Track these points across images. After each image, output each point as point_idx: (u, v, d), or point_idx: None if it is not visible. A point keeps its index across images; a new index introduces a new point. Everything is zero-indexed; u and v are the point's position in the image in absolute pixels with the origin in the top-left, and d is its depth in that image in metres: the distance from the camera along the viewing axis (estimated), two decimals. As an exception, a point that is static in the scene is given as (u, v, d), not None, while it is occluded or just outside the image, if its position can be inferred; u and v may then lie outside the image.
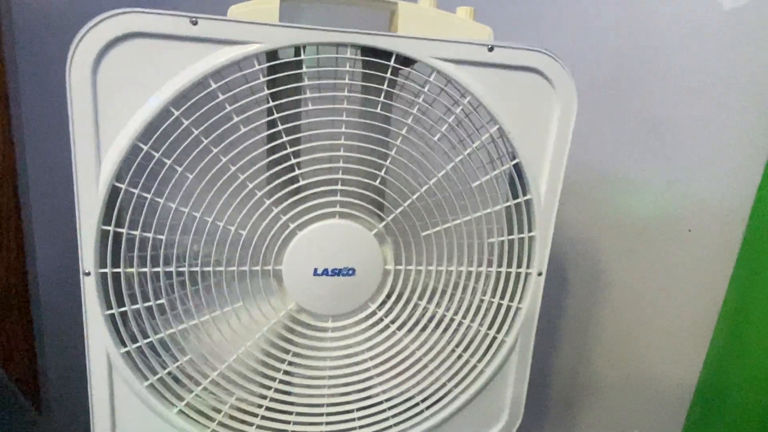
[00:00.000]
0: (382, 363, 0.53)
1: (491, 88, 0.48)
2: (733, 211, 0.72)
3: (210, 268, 0.47)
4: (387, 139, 0.48)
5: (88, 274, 0.45)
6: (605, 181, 0.81)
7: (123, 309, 0.46)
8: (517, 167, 0.50)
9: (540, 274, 0.54)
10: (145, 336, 0.47)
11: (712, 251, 0.75)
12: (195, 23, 0.41)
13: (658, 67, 0.75)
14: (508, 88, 0.48)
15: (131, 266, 0.46)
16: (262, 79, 0.44)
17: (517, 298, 0.54)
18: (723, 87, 0.71)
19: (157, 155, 0.43)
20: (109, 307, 0.46)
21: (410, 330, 0.53)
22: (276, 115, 0.44)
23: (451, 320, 0.54)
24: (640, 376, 0.88)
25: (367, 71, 0.46)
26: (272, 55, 0.45)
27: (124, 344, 0.47)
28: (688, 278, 0.78)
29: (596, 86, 0.79)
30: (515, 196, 0.52)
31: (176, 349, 0.48)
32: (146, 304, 0.46)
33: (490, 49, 0.46)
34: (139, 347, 0.48)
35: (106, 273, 0.45)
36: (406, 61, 0.47)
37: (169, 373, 0.49)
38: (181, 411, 0.50)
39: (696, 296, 0.77)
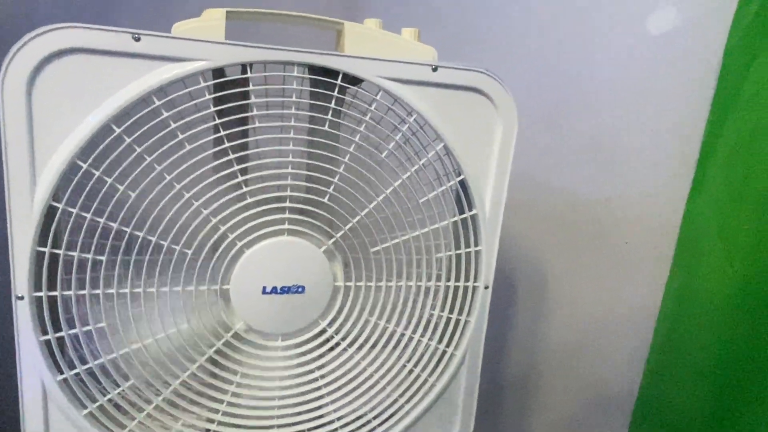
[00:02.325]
0: (333, 381, 0.53)
1: (436, 107, 0.49)
2: (665, 224, 0.76)
3: (153, 289, 0.46)
4: (335, 156, 0.48)
5: (21, 298, 0.42)
6: (549, 196, 0.84)
7: (60, 334, 0.44)
8: (463, 183, 0.52)
9: (487, 287, 0.55)
10: (84, 362, 0.45)
11: (648, 261, 0.79)
12: (138, 39, 0.40)
13: (595, 90, 0.79)
14: (452, 107, 0.49)
15: (69, 288, 0.44)
16: (208, 97, 0.43)
17: (465, 312, 0.55)
18: (653, 108, 0.75)
19: (97, 173, 0.42)
20: (45, 333, 0.44)
21: (361, 347, 0.53)
22: (222, 133, 0.44)
23: (401, 336, 0.54)
24: (586, 382, 0.91)
25: (314, 90, 0.47)
26: (219, 72, 0.44)
27: (60, 371, 0.45)
28: (628, 287, 0.82)
29: (539, 106, 0.82)
30: (461, 212, 0.53)
31: (117, 374, 0.46)
32: (85, 329, 0.45)
33: (434, 69, 0.48)
34: (77, 374, 0.45)
35: (41, 296, 0.43)
36: (353, 80, 0.47)
37: (110, 400, 0.47)
38: (122, 439, 0.48)
39: (635, 304, 0.81)
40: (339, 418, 0.54)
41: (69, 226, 0.42)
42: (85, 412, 0.46)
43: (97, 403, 0.46)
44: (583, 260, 0.85)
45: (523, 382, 0.94)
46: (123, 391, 0.47)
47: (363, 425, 0.54)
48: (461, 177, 0.51)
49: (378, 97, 0.47)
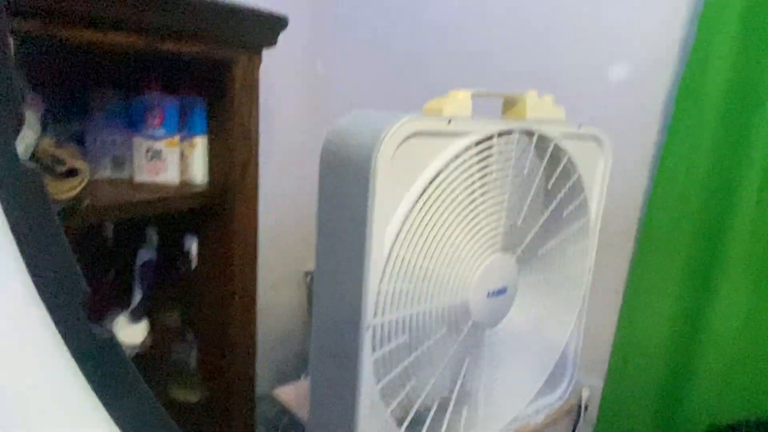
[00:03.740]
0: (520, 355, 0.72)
1: (574, 150, 0.71)
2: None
3: (433, 305, 0.60)
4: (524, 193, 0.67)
5: (369, 327, 0.54)
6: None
7: (381, 351, 0.56)
8: (585, 200, 0.75)
9: (590, 269, 0.80)
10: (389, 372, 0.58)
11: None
12: (449, 122, 0.55)
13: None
14: (580, 149, 0.72)
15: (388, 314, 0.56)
16: (472, 160, 0.59)
17: (579, 288, 0.79)
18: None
19: (418, 223, 0.55)
20: (375, 351, 0.56)
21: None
22: (477, 183, 0.60)
23: (553, 315, 0.76)
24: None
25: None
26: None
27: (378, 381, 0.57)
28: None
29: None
30: (581, 219, 0.76)
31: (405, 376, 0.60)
32: (393, 344, 0.57)
33: (579, 127, 0.70)
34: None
35: (376, 323, 0.55)
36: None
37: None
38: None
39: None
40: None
41: (394, 266, 0.55)
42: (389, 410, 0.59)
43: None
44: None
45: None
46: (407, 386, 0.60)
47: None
48: (583, 194, 0.75)
49: (552, 146, 0.68)
